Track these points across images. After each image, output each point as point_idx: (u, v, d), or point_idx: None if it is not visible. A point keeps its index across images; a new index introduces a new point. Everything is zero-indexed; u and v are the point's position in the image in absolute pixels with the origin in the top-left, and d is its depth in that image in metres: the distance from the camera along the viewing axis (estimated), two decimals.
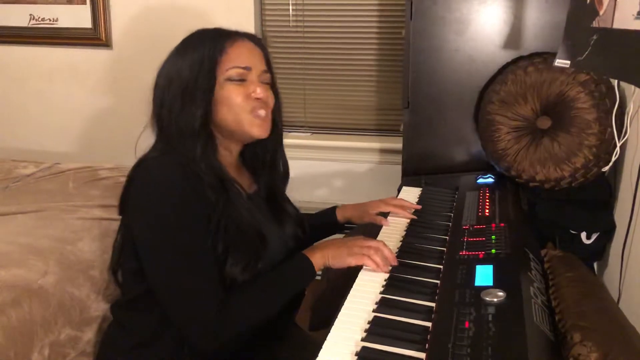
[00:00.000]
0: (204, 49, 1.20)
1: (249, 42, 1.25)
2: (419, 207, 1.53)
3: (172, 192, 1.12)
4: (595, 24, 1.29)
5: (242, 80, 1.21)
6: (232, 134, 1.25)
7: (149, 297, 1.16)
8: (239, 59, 1.21)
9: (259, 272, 1.17)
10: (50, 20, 2.76)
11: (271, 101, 1.27)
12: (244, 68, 1.21)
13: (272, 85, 1.30)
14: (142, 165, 1.18)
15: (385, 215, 1.48)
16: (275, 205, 1.36)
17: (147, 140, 1.24)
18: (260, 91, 1.22)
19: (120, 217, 1.26)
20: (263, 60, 1.27)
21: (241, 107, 1.21)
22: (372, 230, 1.45)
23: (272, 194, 1.37)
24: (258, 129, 1.23)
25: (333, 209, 1.53)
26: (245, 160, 1.37)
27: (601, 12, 1.27)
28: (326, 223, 1.53)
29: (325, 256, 1.20)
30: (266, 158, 1.36)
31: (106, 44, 2.71)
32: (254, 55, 1.25)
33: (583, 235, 1.55)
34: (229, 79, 1.20)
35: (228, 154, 1.28)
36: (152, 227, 1.12)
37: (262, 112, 1.23)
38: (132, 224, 1.18)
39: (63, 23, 2.75)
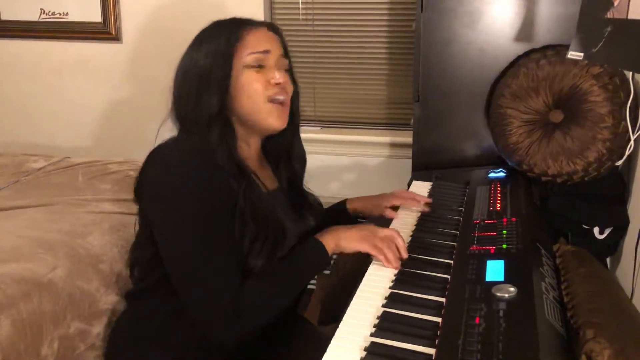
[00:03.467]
0: (220, 38, 1.20)
1: (265, 29, 1.25)
2: (430, 200, 1.51)
3: (190, 178, 1.10)
4: (609, 15, 1.27)
5: (260, 66, 1.21)
6: (251, 125, 1.24)
7: (163, 286, 1.15)
8: (256, 45, 1.21)
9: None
10: (60, 14, 2.77)
11: (290, 88, 1.26)
12: (261, 52, 1.21)
13: (290, 73, 1.29)
14: (158, 152, 1.16)
15: (395, 209, 1.47)
16: (296, 198, 1.35)
17: (166, 135, 1.24)
18: (279, 76, 1.21)
19: (137, 206, 1.25)
20: (280, 46, 1.26)
21: (260, 94, 1.20)
22: (382, 224, 1.45)
23: (293, 186, 1.36)
24: (276, 120, 1.22)
25: (343, 202, 1.53)
26: (268, 154, 1.36)
27: (616, 3, 1.25)
28: (337, 216, 1.52)
29: (335, 237, 1.18)
30: (285, 148, 1.35)
31: (116, 37, 2.71)
32: (271, 40, 1.24)
33: (596, 230, 1.53)
34: (247, 66, 1.20)
35: (247, 148, 1.27)
36: (170, 214, 1.10)
37: (281, 97, 1.23)
38: (149, 212, 1.17)
39: (73, 17, 2.75)
